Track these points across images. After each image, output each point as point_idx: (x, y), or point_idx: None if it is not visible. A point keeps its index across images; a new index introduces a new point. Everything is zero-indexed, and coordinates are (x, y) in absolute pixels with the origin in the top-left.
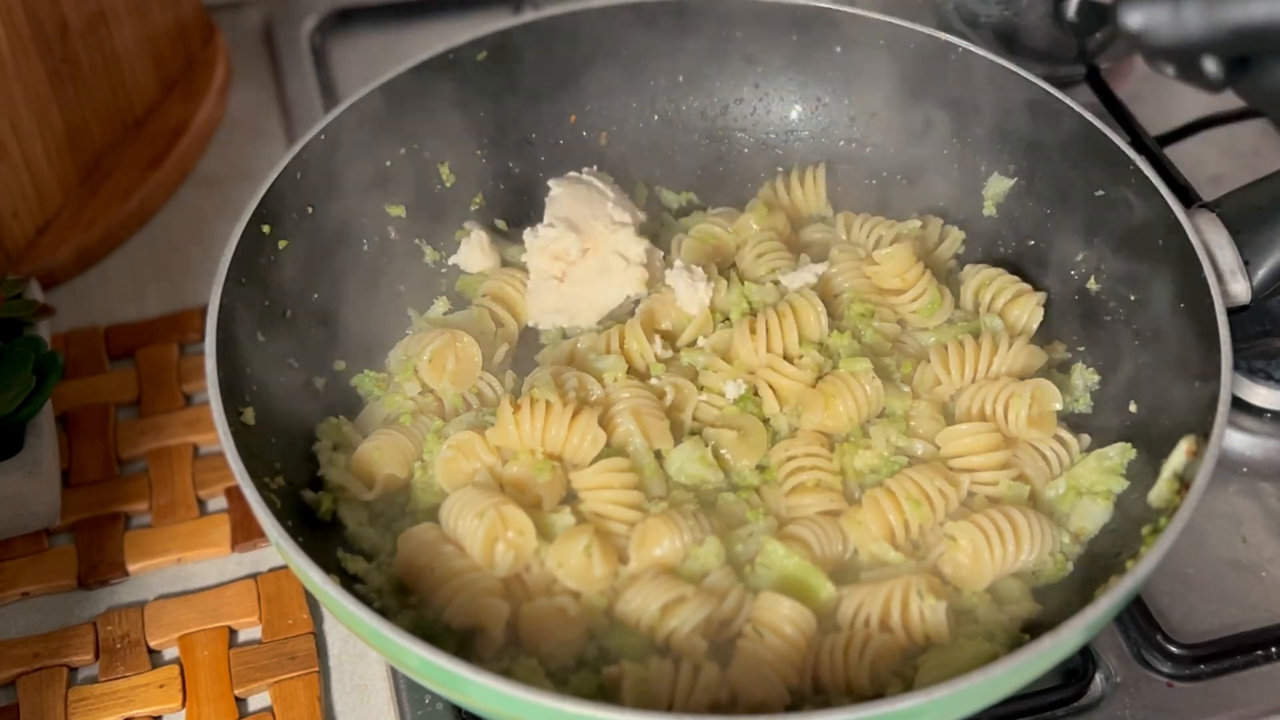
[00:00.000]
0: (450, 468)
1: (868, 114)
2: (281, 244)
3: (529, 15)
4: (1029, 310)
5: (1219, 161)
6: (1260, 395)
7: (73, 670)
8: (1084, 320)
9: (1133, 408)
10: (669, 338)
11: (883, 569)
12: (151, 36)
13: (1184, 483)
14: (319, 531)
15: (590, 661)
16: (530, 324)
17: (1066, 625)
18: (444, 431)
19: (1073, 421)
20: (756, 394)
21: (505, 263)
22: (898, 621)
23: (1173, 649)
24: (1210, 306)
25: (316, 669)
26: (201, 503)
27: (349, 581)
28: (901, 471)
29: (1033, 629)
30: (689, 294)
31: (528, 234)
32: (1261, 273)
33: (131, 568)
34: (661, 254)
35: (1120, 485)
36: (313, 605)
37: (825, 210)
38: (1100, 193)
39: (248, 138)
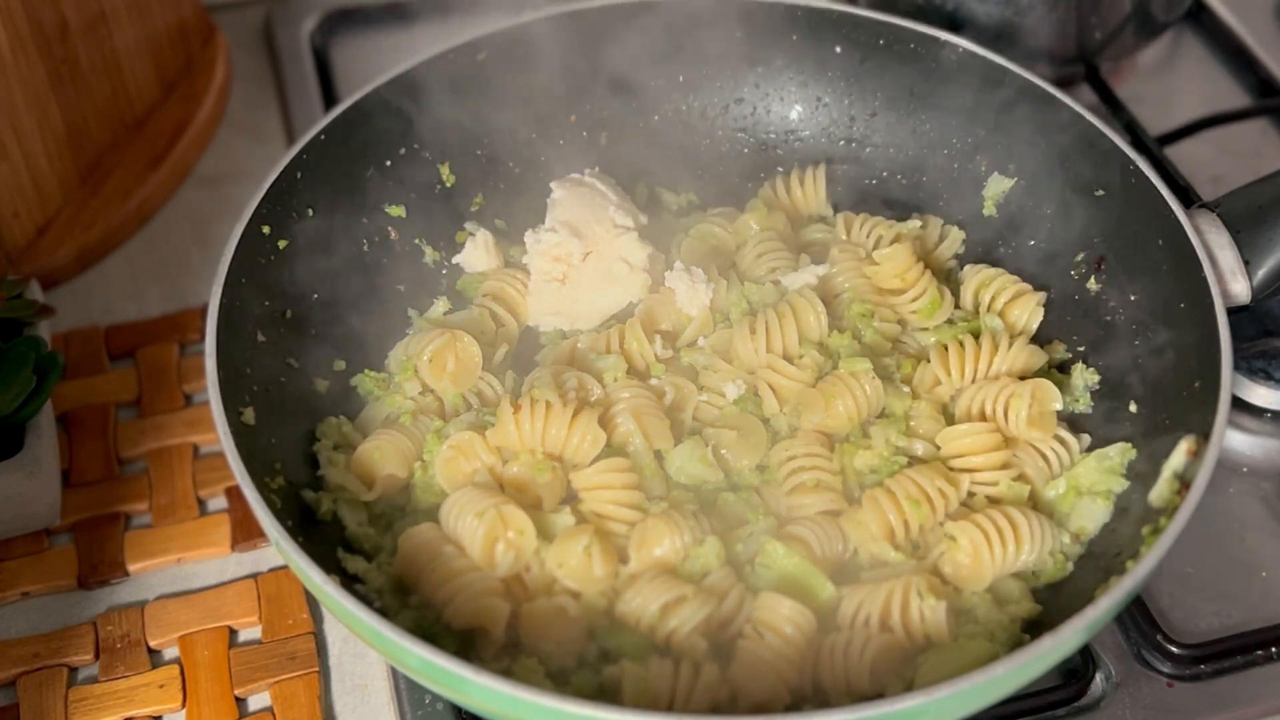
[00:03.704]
0: (450, 468)
1: (868, 114)
2: (281, 244)
3: (529, 15)
4: (1029, 310)
5: (1219, 161)
6: (1260, 395)
7: (73, 670)
8: (1084, 320)
9: (1133, 408)
10: (669, 338)
11: (883, 569)
12: (151, 36)
13: (1184, 483)
14: (319, 531)
15: (590, 661)
16: (530, 324)
17: (1066, 625)
18: (444, 431)
19: (1073, 421)
20: (756, 394)
21: (508, 263)
22: (898, 621)
23: (1173, 649)
24: (1210, 306)
25: (316, 669)
26: (201, 503)
27: (349, 581)
28: (901, 471)
29: (1033, 629)
30: (689, 295)
31: (529, 236)
32: (1261, 273)
33: (131, 568)
34: (662, 257)
35: (1120, 485)
36: (313, 605)
37: (825, 210)
38: (1100, 193)
39: (248, 138)
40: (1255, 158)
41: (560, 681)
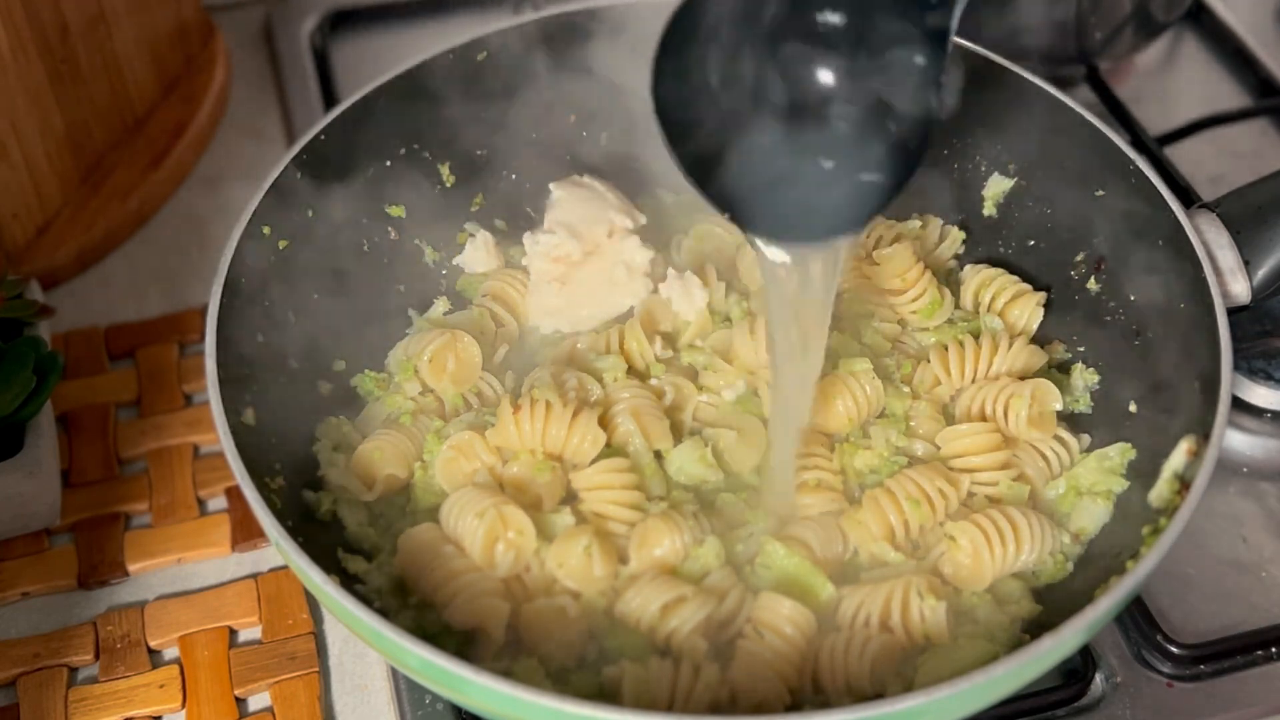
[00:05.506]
0: (450, 468)
1: None
2: (281, 244)
3: (529, 15)
4: (1029, 310)
5: (1219, 161)
6: (1260, 395)
7: (73, 670)
8: (1084, 320)
9: (1133, 408)
10: (669, 338)
11: (883, 569)
12: (151, 36)
13: (1184, 483)
14: (319, 531)
15: (590, 661)
16: (530, 324)
17: (1066, 625)
18: (444, 431)
19: (1073, 421)
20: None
21: (508, 264)
22: (898, 622)
23: (1173, 649)
24: (1210, 306)
25: (316, 669)
26: (201, 503)
27: (349, 581)
28: (901, 471)
29: (1033, 629)
30: (684, 302)
31: (528, 237)
32: (1261, 273)
33: (131, 568)
34: (663, 259)
35: (1120, 485)
36: (313, 605)
37: None
38: (1100, 193)
39: (248, 138)
40: (1255, 158)
41: (560, 681)
